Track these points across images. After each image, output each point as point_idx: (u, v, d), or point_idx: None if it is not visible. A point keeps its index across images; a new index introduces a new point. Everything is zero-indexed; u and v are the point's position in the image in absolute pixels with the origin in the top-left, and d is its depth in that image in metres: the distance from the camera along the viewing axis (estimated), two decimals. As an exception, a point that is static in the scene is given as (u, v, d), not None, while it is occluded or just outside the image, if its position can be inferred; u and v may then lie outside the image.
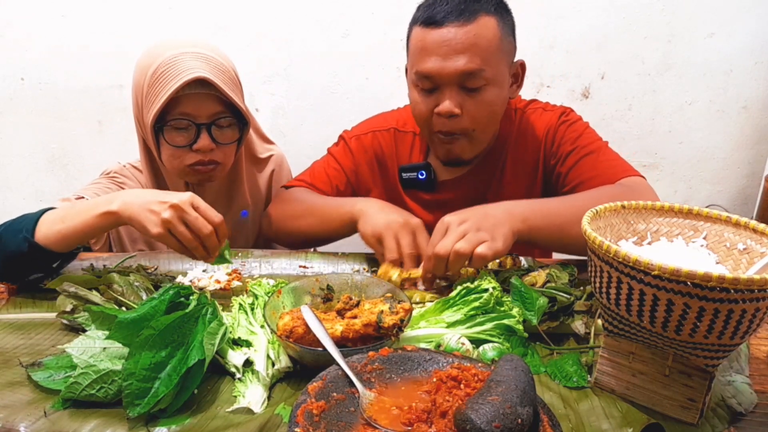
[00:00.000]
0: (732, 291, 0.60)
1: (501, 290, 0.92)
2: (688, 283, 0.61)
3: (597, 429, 0.71)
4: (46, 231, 1.01)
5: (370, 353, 0.75)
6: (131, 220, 0.98)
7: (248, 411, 0.74)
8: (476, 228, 0.97)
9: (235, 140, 1.27)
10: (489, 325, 0.88)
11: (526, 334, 0.88)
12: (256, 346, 0.83)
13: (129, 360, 0.72)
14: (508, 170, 1.34)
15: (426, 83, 1.18)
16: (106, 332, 0.79)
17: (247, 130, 1.31)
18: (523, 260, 1.13)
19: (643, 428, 0.69)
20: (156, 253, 1.22)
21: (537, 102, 1.38)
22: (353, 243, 1.25)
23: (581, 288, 0.98)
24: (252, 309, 0.91)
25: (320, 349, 0.76)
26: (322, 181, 1.38)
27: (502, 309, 0.90)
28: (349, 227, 1.17)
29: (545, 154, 1.32)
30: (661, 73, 2.15)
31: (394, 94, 2.12)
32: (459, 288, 0.92)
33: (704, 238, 0.79)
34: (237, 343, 0.85)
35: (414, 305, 0.93)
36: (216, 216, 0.98)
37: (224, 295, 1.06)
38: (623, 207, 0.81)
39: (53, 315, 0.95)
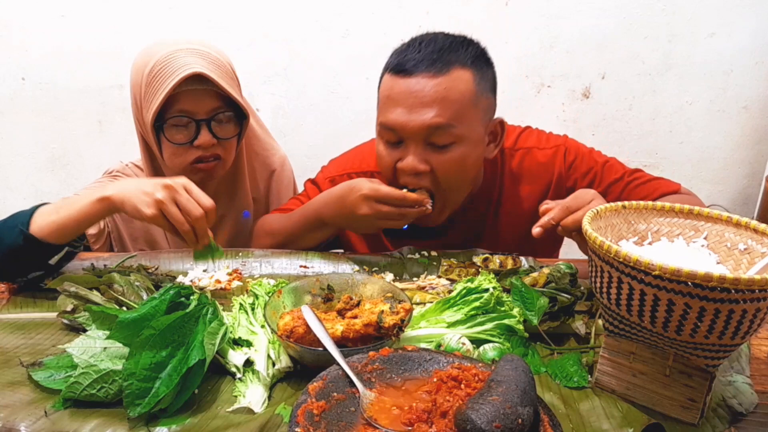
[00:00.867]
0: (733, 291, 0.60)
1: (501, 290, 0.92)
2: (689, 283, 0.61)
3: (597, 429, 0.71)
4: (40, 222, 1.01)
5: (371, 353, 0.75)
6: (124, 204, 0.97)
7: (249, 411, 0.74)
8: None
9: (235, 135, 1.27)
10: (489, 325, 0.88)
11: (526, 334, 0.88)
12: (257, 346, 0.83)
13: (129, 360, 0.72)
14: (504, 213, 1.27)
15: (390, 135, 1.11)
16: (107, 332, 0.79)
17: (247, 123, 1.31)
18: (523, 260, 1.13)
19: (643, 428, 0.69)
20: (156, 252, 1.23)
21: (525, 137, 1.29)
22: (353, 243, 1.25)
23: (582, 288, 0.98)
24: (252, 309, 0.91)
25: (320, 349, 0.76)
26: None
27: (503, 309, 0.90)
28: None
29: (557, 198, 1.18)
30: (661, 73, 2.15)
31: (394, 94, 2.12)
32: (459, 288, 0.92)
33: (705, 239, 0.79)
34: (237, 343, 0.85)
35: (414, 305, 0.93)
36: (208, 201, 0.97)
37: (224, 295, 1.06)
38: (624, 207, 0.81)
39: (54, 315, 0.95)
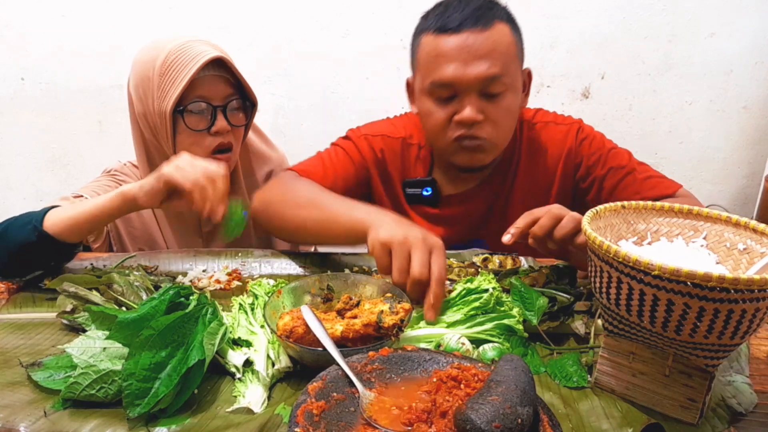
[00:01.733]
0: (732, 291, 0.60)
1: (501, 290, 0.92)
2: (688, 283, 0.61)
3: (597, 429, 0.71)
4: (54, 219, 1.03)
5: (370, 353, 0.75)
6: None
7: (248, 411, 0.74)
8: None
9: (244, 123, 1.31)
10: (489, 325, 0.88)
11: (526, 334, 0.88)
12: (256, 346, 0.83)
13: (129, 360, 0.72)
14: (518, 186, 1.31)
15: (444, 92, 1.15)
16: (106, 332, 0.79)
17: (255, 112, 1.34)
18: (523, 260, 1.13)
19: (643, 428, 0.69)
20: (156, 253, 1.23)
21: (544, 112, 1.36)
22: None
23: (581, 288, 0.98)
24: (252, 309, 0.91)
25: (320, 349, 0.76)
26: (328, 173, 1.29)
27: (502, 309, 0.90)
28: (355, 236, 1.02)
29: (564, 173, 1.29)
30: (661, 73, 2.15)
31: (395, 93, 2.11)
32: (459, 288, 0.92)
33: (704, 238, 0.79)
34: (237, 343, 0.85)
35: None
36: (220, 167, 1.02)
37: (224, 295, 1.06)
38: (623, 207, 0.81)
39: (53, 315, 0.95)
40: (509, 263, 1.12)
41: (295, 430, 0.61)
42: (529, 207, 1.25)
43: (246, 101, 1.29)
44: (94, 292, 0.95)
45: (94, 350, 0.77)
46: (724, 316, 0.62)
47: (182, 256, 1.20)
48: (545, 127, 1.32)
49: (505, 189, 1.32)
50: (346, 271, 1.16)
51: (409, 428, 0.63)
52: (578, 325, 0.91)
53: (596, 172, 1.27)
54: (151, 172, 1.32)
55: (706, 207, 0.82)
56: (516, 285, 0.92)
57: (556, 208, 0.95)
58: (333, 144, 1.39)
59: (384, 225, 0.95)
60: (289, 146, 1.70)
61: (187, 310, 0.80)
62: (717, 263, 0.76)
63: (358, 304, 0.88)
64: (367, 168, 1.34)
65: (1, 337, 0.92)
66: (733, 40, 2.08)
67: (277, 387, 0.80)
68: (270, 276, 1.13)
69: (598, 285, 0.73)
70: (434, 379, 0.71)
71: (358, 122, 1.45)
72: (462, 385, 0.69)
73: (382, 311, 0.82)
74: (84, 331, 0.88)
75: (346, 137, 1.38)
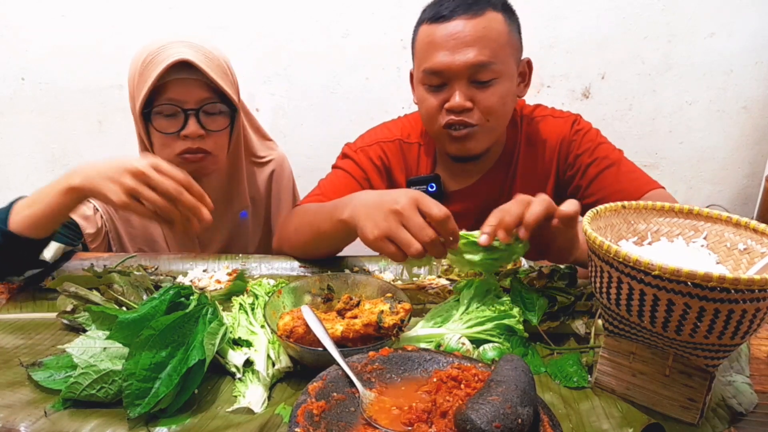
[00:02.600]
0: (732, 291, 0.60)
1: (501, 290, 0.92)
2: (689, 283, 0.61)
3: (597, 429, 0.71)
4: (16, 218, 1.00)
5: (371, 353, 0.75)
6: (93, 192, 0.95)
7: (248, 411, 0.74)
8: None
9: (225, 128, 1.26)
10: (489, 325, 0.88)
11: (526, 334, 0.88)
12: (257, 346, 0.83)
13: (129, 360, 0.72)
14: (518, 179, 1.33)
15: (435, 79, 1.17)
16: (107, 332, 0.79)
17: (238, 118, 1.30)
18: (523, 260, 1.13)
19: (643, 428, 0.69)
20: (156, 253, 1.22)
21: (542, 107, 1.37)
22: (354, 243, 1.25)
23: (581, 288, 0.98)
24: (252, 309, 0.91)
25: (320, 349, 0.76)
26: (333, 197, 1.26)
27: (503, 309, 0.90)
28: (350, 237, 1.06)
29: (559, 164, 1.31)
30: (661, 73, 2.15)
31: (395, 93, 2.11)
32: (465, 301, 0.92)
33: (704, 238, 0.79)
34: (237, 343, 0.85)
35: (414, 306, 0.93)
36: (180, 173, 0.92)
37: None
38: (623, 207, 0.81)
39: (53, 315, 0.95)
40: (509, 263, 1.12)
41: (296, 430, 0.61)
42: None
43: (229, 105, 1.24)
44: (95, 292, 0.95)
45: (95, 350, 0.77)
46: (725, 316, 0.62)
47: (182, 257, 1.20)
48: (543, 120, 1.33)
49: (507, 183, 1.34)
50: (346, 271, 1.16)
51: (409, 428, 0.63)
52: (578, 325, 0.91)
53: (582, 160, 1.28)
54: None
55: (707, 207, 0.82)
56: (516, 285, 0.92)
57: (522, 195, 0.91)
58: (333, 166, 1.39)
59: (364, 220, 0.93)
60: (289, 146, 1.70)
61: (187, 310, 0.80)
62: (717, 263, 0.76)
63: (358, 304, 0.88)
64: (369, 179, 1.35)
65: (1, 337, 0.92)
66: (732, 40, 2.08)
67: (277, 387, 0.80)
68: (270, 276, 1.13)
69: (598, 285, 0.73)
70: (434, 379, 0.71)
71: (358, 122, 1.45)
72: (462, 385, 0.69)
73: (382, 311, 0.82)
74: (84, 331, 0.88)
75: (343, 156, 1.39)
